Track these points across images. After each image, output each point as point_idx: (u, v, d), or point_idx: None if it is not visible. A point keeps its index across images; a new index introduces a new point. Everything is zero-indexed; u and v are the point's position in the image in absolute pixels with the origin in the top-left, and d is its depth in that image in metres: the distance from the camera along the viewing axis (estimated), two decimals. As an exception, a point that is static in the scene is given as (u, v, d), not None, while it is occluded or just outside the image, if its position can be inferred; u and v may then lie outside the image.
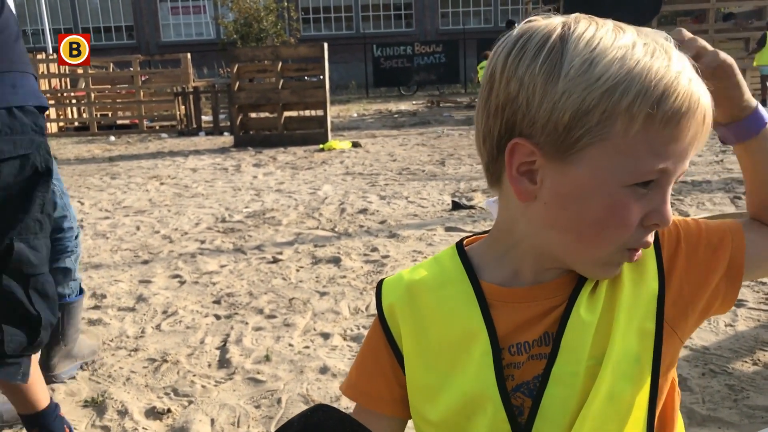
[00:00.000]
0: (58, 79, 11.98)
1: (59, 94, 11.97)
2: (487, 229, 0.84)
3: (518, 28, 0.69)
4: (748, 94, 0.77)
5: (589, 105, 0.64)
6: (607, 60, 0.64)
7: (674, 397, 0.81)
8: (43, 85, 11.47)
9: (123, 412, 2.15)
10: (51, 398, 1.82)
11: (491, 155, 0.73)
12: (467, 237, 0.87)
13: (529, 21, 0.70)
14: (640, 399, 0.72)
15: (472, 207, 4.87)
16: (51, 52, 12.59)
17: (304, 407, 2.08)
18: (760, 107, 0.78)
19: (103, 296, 3.30)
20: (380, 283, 0.86)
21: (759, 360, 2.29)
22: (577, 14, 0.69)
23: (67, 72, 11.94)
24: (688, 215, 4.33)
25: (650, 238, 0.72)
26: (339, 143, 8.93)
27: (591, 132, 0.65)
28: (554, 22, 0.68)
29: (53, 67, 11.81)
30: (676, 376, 0.81)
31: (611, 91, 0.63)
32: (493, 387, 0.74)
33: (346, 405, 1.94)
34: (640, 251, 0.73)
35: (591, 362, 0.72)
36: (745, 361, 2.29)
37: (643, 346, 0.73)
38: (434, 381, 0.79)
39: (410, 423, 0.85)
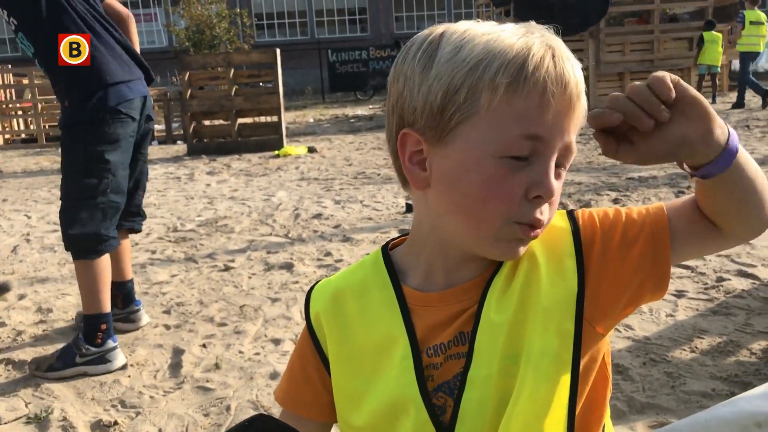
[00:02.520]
0: (2, 90, 11.62)
1: (4, 106, 11.60)
2: None
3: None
4: (720, 121, 0.68)
5: (457, 84, 0.69)
6: (473, 44, 0.69)
7: (606, 393, 0.80)
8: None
9: (67, 428, 2.10)
10: None
11: (394, 154, 0.78)
12: (393, 239, 0.89)
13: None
14: (559, 398, 0.72)
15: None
16: (-5, 62, 12.22)
17: (253, 413, 2.07)
18: (733, 135, 0.69)
19: (50, 310, 3.22)
20: (310, 291, 0.88)
21: (696, 347, 2.37)
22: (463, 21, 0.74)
23: (12, 83, 11.60)
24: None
25: (540, 214, 0.72)
26: (294, 149, 8.90)
27: (461, 109, 0.69)
28: (439, 27, 0.74)
29: (-4, 78, 11.47)
30: (610, 367, 0.81)
31: (475, 68, 0.68)
32: (414, 389, 0.75)
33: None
34: (538, 230, 0.73)
35: (506, 362, 0.73)
36: (684, 349, 2.36)
37: (563, 346, 0.73)
38: (358, 386, 0.80)
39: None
